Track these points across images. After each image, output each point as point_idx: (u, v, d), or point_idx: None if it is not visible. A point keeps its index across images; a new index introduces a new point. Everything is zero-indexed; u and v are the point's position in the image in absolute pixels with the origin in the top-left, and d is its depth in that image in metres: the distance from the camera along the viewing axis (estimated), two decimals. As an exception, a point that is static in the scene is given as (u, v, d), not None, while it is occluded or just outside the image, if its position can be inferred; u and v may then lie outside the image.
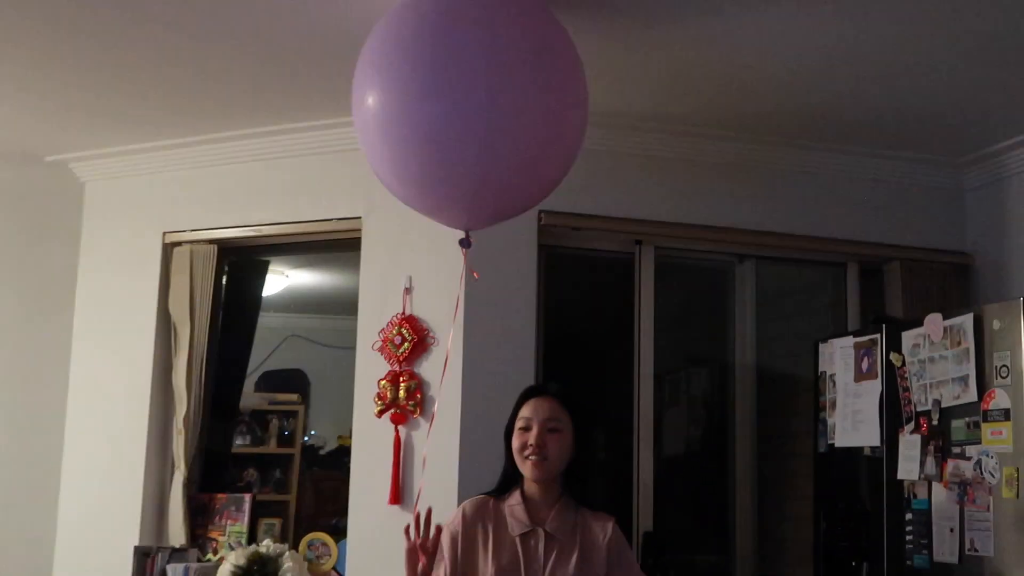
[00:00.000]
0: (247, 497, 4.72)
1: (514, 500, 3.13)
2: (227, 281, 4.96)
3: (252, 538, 4.62)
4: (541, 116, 3.00)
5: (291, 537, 4.69)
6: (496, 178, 3.01)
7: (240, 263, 5.03)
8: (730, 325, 4.80)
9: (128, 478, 4.70)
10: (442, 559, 3.09)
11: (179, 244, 4.82)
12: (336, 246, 4.76)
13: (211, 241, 4.78)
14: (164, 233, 4.84)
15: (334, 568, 4.44)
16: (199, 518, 4.70)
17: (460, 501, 3.81)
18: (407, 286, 4.29)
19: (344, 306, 4.65)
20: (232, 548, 4.50)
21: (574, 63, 3.14)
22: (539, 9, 3.13)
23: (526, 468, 3.10)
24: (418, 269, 4.32)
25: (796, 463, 4.72)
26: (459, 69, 2.89)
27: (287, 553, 4.27)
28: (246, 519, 4.66)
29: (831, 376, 4.20)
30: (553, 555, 3.03)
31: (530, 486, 3.13)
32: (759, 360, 4.79)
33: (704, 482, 5.10)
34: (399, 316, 4.28)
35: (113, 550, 4.57)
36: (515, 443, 3.14)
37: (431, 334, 4.25)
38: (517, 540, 3.06)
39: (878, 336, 3.97)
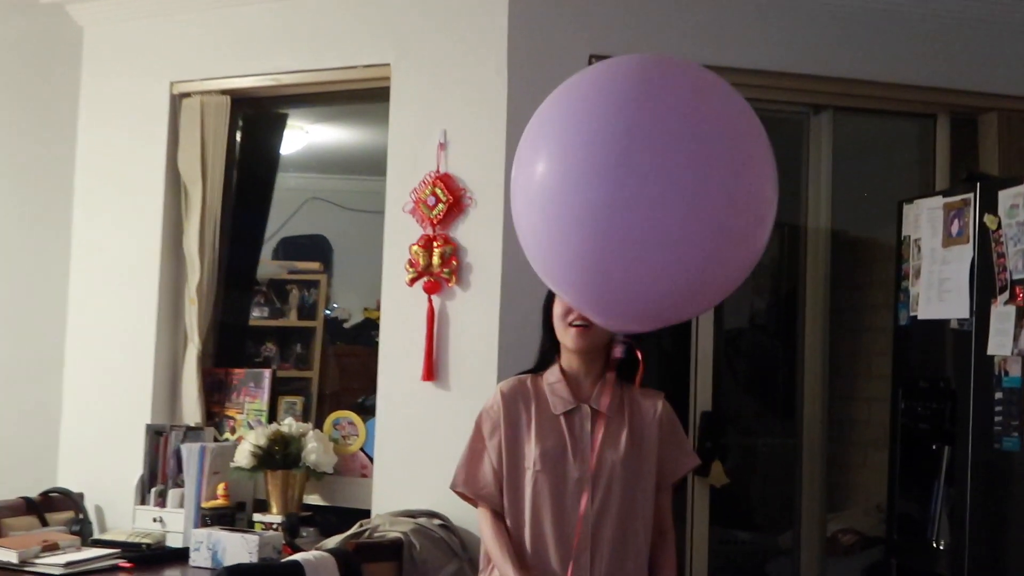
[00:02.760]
0: (266, 373, 4.66)
1: (553, 377, 3.01)
2: (241, 137, 4.83)
3: (272, 417, 4.57)
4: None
5: (314, 416, 4.64)
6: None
7: (255, 117, 4.88)
8: (802, 183, 4.55)
9: (138, 352, 4.61)
10: (484, 449, 3.01)
11: (188, 95, 4.67)
12: (362, 97, 4.63)
13: (223, 92, 4.63)
14: (172, 83, 4.68)
15: (362, 449, 4.38)
16: (215, 395, 4.65)
17: (500, 378, 3.78)
18: (442, 141, 4.12)
19: (371, 165, 4.51)
20: (251, 427, 4.50)
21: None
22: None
23: (568, 337, 2.95)
24: (454, 122, 4.12)
25: (872, 338, 4.69)
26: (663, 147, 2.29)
27: (311, 433, 4.25)
28: (266, 396, 4.61)
29: (915, 241, 4.03)
30: (601, 433, 2.91)
31: (571, 360, 3.00)
32: (834, 223, 4.56)
33: (769, 358, 5.09)
34: (433, 175, 4.10)
35: (124, 428, 4.52)
36: (557, 309, 2.96)
37: (469, 194, 4.07)
38: (561, 419, 2.97)
39: (971, 196, 3.79)
